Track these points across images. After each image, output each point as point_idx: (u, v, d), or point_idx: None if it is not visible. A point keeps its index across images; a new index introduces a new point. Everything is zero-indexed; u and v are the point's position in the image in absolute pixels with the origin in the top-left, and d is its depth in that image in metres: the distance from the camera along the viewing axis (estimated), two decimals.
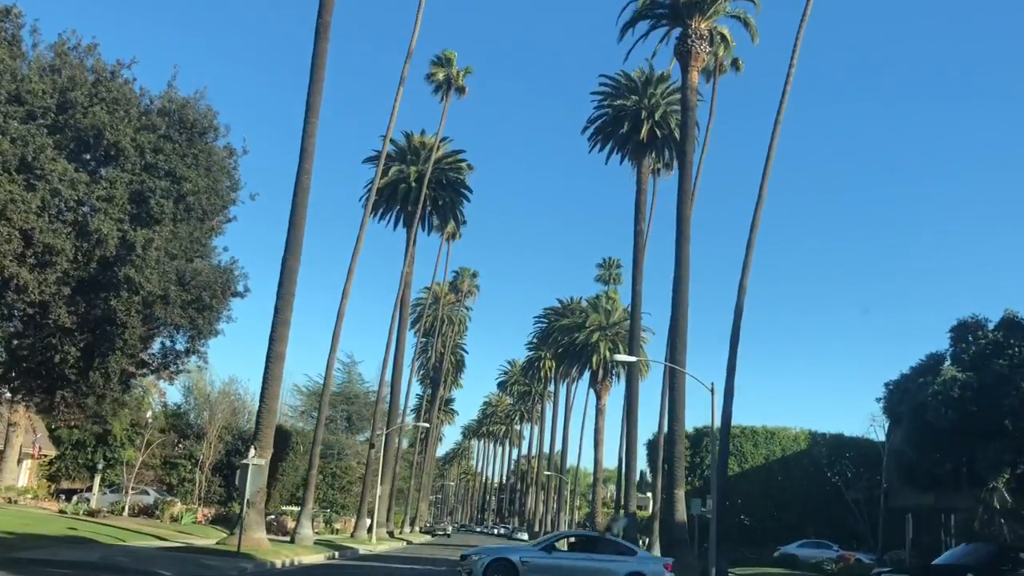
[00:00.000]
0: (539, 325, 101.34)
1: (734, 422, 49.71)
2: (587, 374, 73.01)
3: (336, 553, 33.48)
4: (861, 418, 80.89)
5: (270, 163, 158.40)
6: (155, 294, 19.62)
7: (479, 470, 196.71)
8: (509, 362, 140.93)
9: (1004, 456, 22.22)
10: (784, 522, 48.26)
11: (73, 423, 24.04)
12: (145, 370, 23.46)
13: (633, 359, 30.97)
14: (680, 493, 36.28)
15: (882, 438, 51.03)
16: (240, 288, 23.36)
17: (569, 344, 71.45)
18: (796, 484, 50.51)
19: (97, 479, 39.28)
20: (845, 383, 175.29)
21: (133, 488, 42.33)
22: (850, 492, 48.84)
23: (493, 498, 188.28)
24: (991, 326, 24.99)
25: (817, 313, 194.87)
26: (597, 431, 67.41)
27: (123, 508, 37.30)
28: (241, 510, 27.72)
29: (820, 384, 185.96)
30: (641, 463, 56.94)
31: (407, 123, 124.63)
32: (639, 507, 57.06)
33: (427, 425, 77.15)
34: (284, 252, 29.93)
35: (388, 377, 55.57)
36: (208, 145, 21.54)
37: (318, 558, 30.22)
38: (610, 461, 73.84)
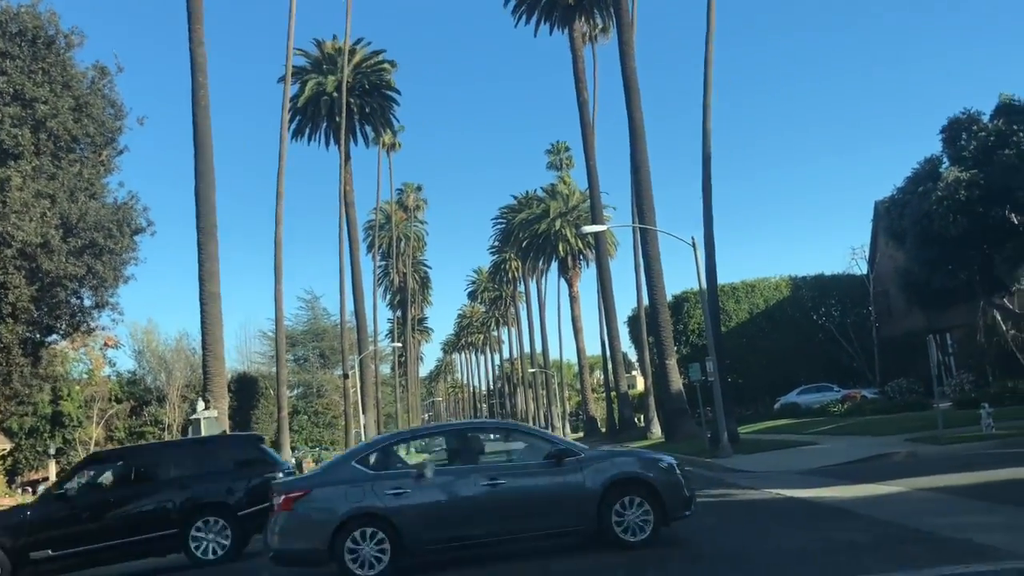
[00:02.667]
0: (499, 226, 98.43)
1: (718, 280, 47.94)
2: (555, 265, 70.70)
3: None
4: (840, 256, 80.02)
5: (167, 84, 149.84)
6: (32, 243, 16.51)
7: (465, 382, 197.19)
8: (475, 271, 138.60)
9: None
10: (778, 375, 46.91)
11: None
12: (55, 335, 20.53)
13: (601, 227, 28.37)
14: (672, 363, 34.41)
15: (864, 271, 49.63)
16: (142, 223, 20.29)
17: (532, 237, 68.86)
18: (784, 334, 49.04)
19: (52, 466, 36.53)
20: (819, 223, 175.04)
21: None
22: (840, 331, 47.53)
23: (484, 405, 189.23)
24: (986, 118, 22.58)
25: (784, 156, 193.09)
26: (575, 319, 65.49)
27: None
28: None
29: (795, 229, 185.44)
30: (625, 343, 55.25)
31: (319, 31, 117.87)
32: (629, 387, 55.71)
33: (399, 345, 74.82)
34: (195, 180, 26.59)
35: (349, 303, 52.73)
36: (61, 58, 18.08)
37: None
38: (592, 348, 72.49)
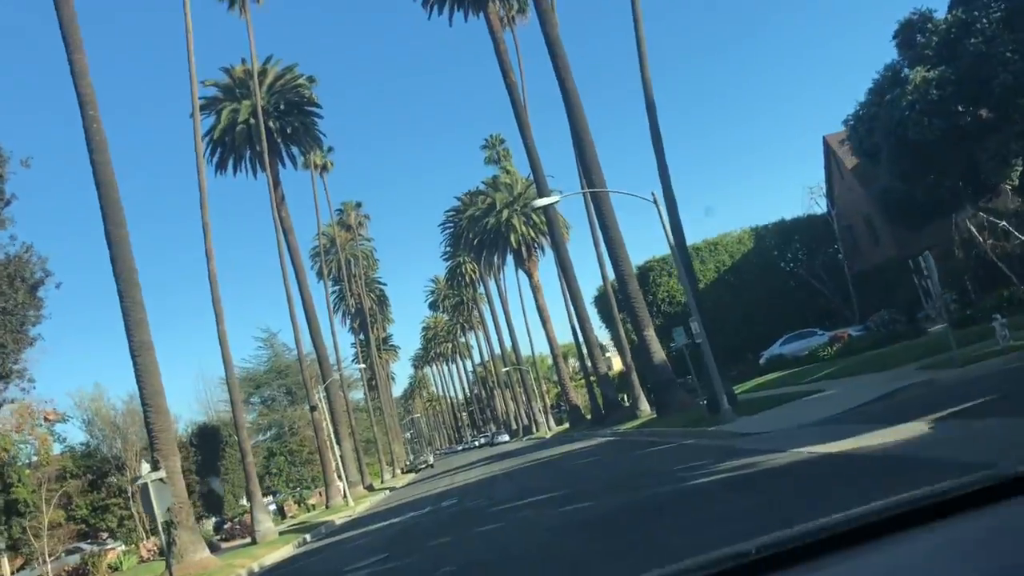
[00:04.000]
0: (448, 230, 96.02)
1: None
2: (511, 258, 68.60)
3: (307, 536, 28.91)
4: (797, 200, 78.81)
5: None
6: None
7: (441, 394, 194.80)
8: (432, 280, 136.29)
9: (1010, 145, 18.46)
10: (756, 330, 45.34)
11: None
12: None
13: (553, 199, 26.38)
14: (651, 333, 32.51)
15: (824, 210, 48.36)
16: (38, 275, 17.78)
17: (482, 233, 66.68)
18: (755, 287, 47.50)
19: (4, 561, 33.57)
20: (771, 171, 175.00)
21: (68, 550, 36.83)
22: (811, 274, 46.15)
23: (464, 414, 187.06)
24: (940, 14, 20.94)
25: (725, 114, 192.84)
26: (540, 309, 63.51)
27: None
28: (168, 535, 22.71)
29: (749, 182, 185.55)
30: (595, 324, 53.27)
31: (231, 57, 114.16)
32: (608, 368, 53.81)
33: (363, 366, 72.26)
34: (104, 224, 24.02)
35: (305, 335, 50.12)
36: None
37: (283, 552, 25.57)
38: (564, 335, 70.78)
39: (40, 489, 37.25)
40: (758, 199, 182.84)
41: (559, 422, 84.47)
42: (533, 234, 64.45)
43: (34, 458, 41.79)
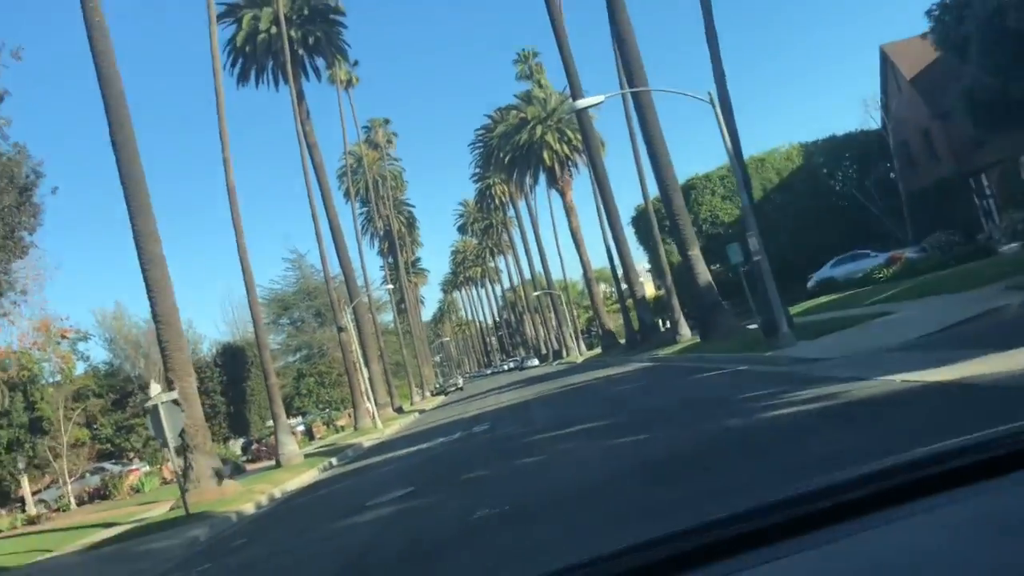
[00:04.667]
0: (478, 150, 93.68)
1: (719, 162, 43.57)
2: (543, 178, 66.12)
3: (332, 460, 27.72)
4: (849, 116, 75.07)
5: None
6: None
7: (470, 319, 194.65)
8: (461, 203, 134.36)
9: None
10: (803, 252, 42.99)
11: None
12: None
13: (594, 100, 24.02)
14: (696, 252, 30.49)
15: (878, 124, 45.41)
16: (29, 177, 16.04)
17: (514, 150, 64.14)
18: (802, 206, 44.97)
19: (25, 480, 32.92)
20: (822, 84, 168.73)
21: (90, 470, 36.22)
22: (862, 193, 43.50)
23: (493, 338, 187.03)
24: None
25: (777, 26, 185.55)
26: (573, 231, 61.31)
27: (67, 503, 31.15)
28: (184, 460, 21.49)
29: (799, 94, 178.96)
30: (632, 246, 51.04)
31: None
32: (642, 293, 51.73)
33: (392, 286, 70.87)
34: (108, 123, 22.21)
35: (331, 253, 48.51)
36: None
37: (307, 478, 24.35)
38: (596, 259, 68.95)
39: (68, 407, 36.57)
40: (807, 113, 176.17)
41: (590, 347, 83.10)
42: (567, 151, 61.87)
43: (57, 377, 41.10)
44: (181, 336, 22.32)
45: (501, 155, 70.98)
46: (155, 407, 18.27)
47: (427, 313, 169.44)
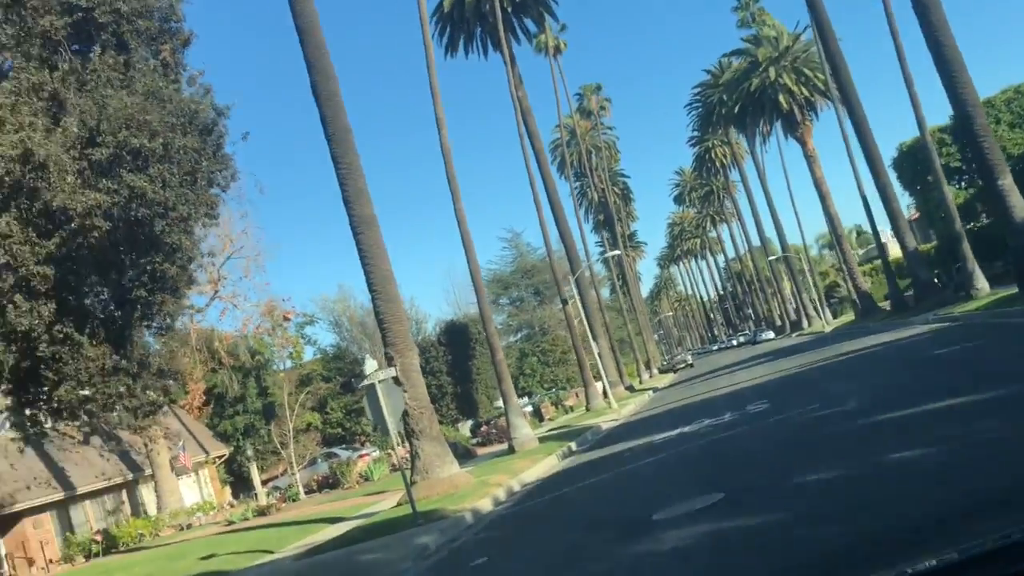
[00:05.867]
0: (695, 111, 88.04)
1: (1002, 84, 35.68)
2: (777, 127, 59.40)
3: (572, 445, 24.27)
4: None
5: None
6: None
7: (689, 293, 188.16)
8: (677, 171, 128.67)
9: None
10: None
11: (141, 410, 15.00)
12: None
13: None
14: (1009, 181, 24.18)
15: None
16: (210, 116, 13.52)
17: (743, 98, 57.98)
18: None
19: (254, 469, 32.10)
20: None
21: (321, 456, 35.24)
22: None
23: (715, 314, 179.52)
24: None
25: None
26: (817, 182, 54.39)
27: (296, 492, 29.84)
28: (412, 446, 18.74)
29: None
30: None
31: None
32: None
33: (617, 252, 66.95)
34: (310, 75, 19.81)
35: (550, 223, 45.22)
36: None
37: (546, 466, 21.01)
38: (844, 216, 61.30)
39: (295, 392, 35.84)
40: None
41: (836, 314, 75.19)
42: (807, 92, 54.98)
43: (287, 362, 40.85)
44: (399, 306, 19.56)
45: (723, 111, 65.15)
46: (371, 386, 15.42)
47: (643, 289, 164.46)
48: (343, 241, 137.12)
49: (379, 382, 15.45)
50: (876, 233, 45.22)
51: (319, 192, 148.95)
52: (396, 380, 16.40)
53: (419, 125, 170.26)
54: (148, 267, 12.97)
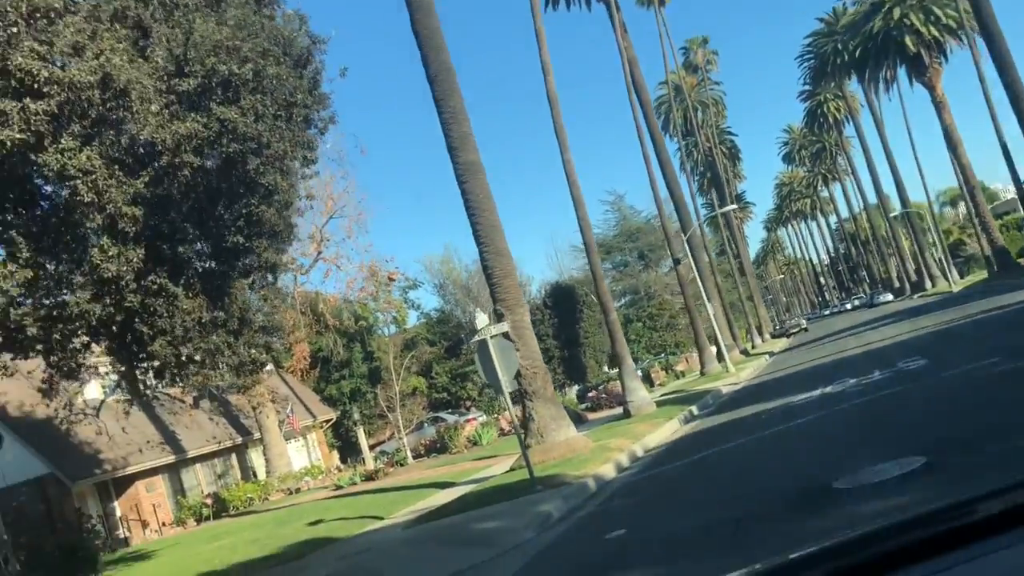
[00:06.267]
0: (807, 64, 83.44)
1: None
2: (900, 73, 55.20)
3: (693, 409, 22.64)
4: None
5: None
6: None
7: (799, 256, 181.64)
8: (785, 129, 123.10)
9: None
10: None
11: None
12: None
13: None
14: None
15: None
16: (306, 49, 12.39)
17: (865, 42, 54.03)
18: None
19: (361, 433, 31.54)
20: None
21: (428, 420, 34.59)
22: None
23: (826, 277, 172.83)
24: None
25: None
26: (947, 131, 50.24)
27: (404, 457, 29.11)
28: (523, 407, 17.52)
29: None
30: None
31: None
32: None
33: (733, 206, 63.85)
34: (408, 8, 18.56)
35: (658, 175, 42.98)
36: None
37: (668, 430, 19.48)
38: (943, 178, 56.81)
39: (400, 356, 35.18)
40: None
41: (964, 274, 70.40)
42: (936, 32, 50.78)
43: (392, 327, 40.33)
44: (508, 259, 18.23)
45: (840, 59, 61.17)
46: (483, 342, 14.19)
47: (750, 253, 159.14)
48: (449, 197, 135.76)
49: (491, 337, 14.20)
50: (1019, 182, 41.32)
51: (425, 144, 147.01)
52: (507, 336, 15.13)
53: (515, 92, 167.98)
54: (244, 210, 11.96)
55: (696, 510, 9.01)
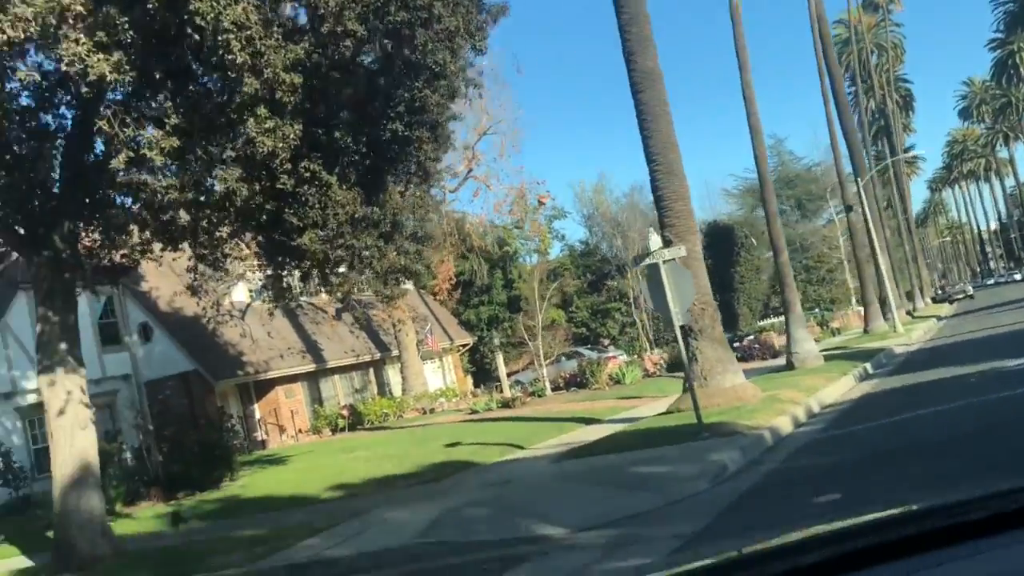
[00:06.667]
0: (1004, 6, 75.83)
1: None
2: None
3: (867, 366, 20.40)
4: None
5: None
6: None
7: (964, 220, 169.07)
8: (965, 82, 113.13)
9: None
10: None
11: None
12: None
13: None
14: None
15: None
16: None
17: None
18: None
19: (500, 359, 30.59)
20: None
21: (567, 354, 33.45)
22: None
23: (992, 246, 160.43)
24: None
25: None
26: None
27: (542, 388, 28.01)
28: (686, 345, 15.86)
29: None
30: None
31: None
32: None
33: (911, 153, 58.93)
34: None
35: (834, 115, 39.44)
36: None
37: (843, 386, 17.46)
38: None
39: (539, 286, 33.99)
40: None
41: None
42: None
43: (534, 256, 39.18)
44: (682, 181, 16.40)
45: None
46: (654, 266, 12.64)
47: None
48: (604, 123, 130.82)
49: (664, 262, 12.62)
50: None
51: (584, 67, 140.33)
52: (678, 266, 13.47)
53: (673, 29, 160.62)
54: (406, 94, 10.70)
55: (925, 484, 7.22)
